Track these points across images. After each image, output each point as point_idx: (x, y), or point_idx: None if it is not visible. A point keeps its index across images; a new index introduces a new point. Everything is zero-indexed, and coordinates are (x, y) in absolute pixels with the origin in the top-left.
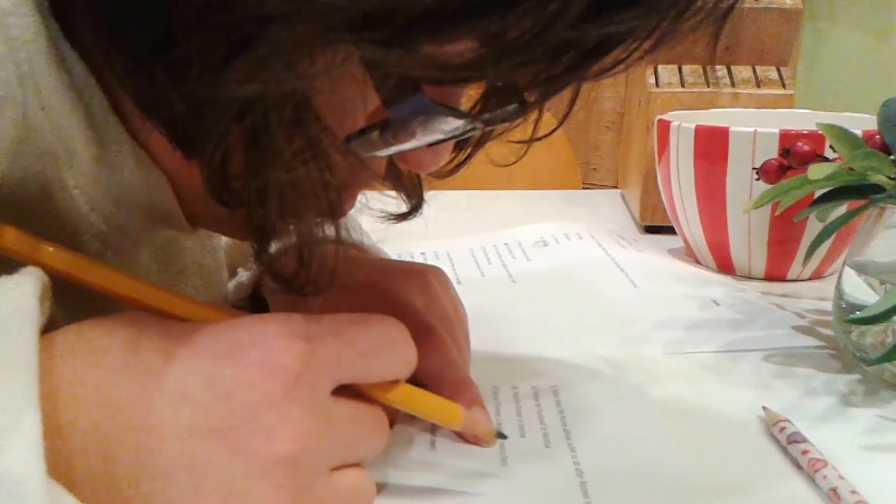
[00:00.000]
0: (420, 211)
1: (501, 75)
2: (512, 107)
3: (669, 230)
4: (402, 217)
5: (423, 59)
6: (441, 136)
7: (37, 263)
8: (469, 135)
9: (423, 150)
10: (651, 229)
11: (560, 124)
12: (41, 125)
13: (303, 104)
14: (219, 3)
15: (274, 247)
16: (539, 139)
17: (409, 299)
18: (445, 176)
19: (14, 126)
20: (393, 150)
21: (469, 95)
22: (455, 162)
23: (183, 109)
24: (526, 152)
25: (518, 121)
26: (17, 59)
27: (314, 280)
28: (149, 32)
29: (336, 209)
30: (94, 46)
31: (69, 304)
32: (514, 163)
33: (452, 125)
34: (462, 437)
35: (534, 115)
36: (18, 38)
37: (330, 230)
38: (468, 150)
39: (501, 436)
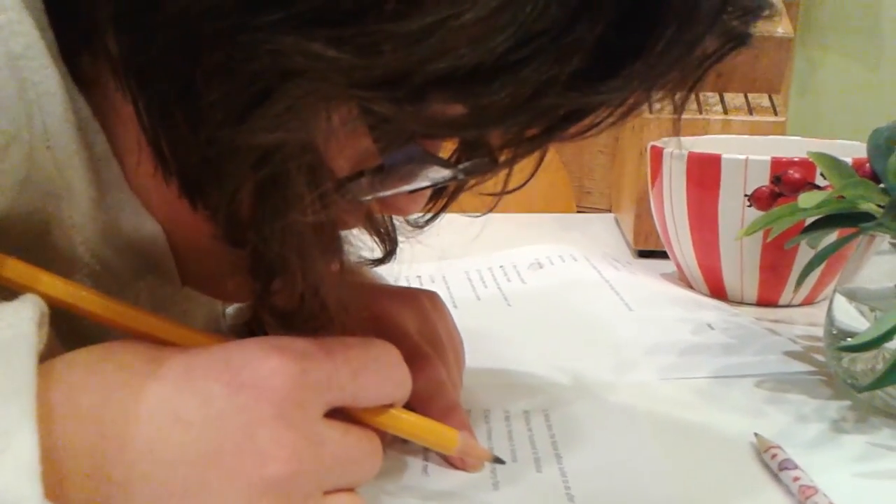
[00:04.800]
0: (394, 256)
1: (484, 133)
2: (487, 160)
3: (662, 255)
4: (376, 262)
5: (425, 116)
6: (427, 183)
7: (36, 293)
8: (450, 182)
9: (404, 196)
10: (644, 254)
11: (528, 179)
12: (45, 163)
13: (316, 152)
14: (243, 55)
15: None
16: (510, 192)
17: (401, 322)
18: (423, 226)
19: (20, 164)
20: (381, 193)
21: (446, 147)
22: (432, 211)
23: (201, 157)
24: (496, 205)
25: (491, 173)
26: (27, 99)
27: (315, 316)
28: (174, 80)
29: (337, 248)
30: (114, 92)
31: (68, 335)
32: (486, 213)
33: (439, 173)
34: (449, 461)
35: (506, 169)
36: (28, 80)
37: (332, 268)
38: (443, 202)
39: (498, 460)
